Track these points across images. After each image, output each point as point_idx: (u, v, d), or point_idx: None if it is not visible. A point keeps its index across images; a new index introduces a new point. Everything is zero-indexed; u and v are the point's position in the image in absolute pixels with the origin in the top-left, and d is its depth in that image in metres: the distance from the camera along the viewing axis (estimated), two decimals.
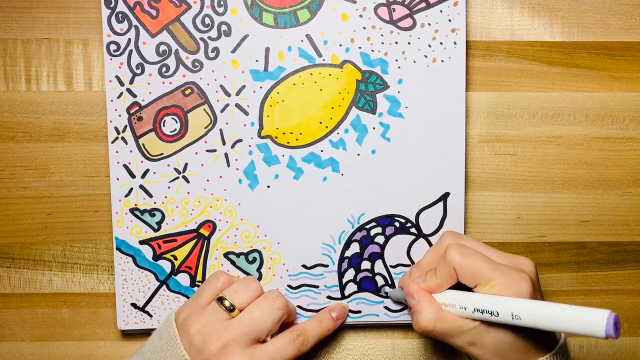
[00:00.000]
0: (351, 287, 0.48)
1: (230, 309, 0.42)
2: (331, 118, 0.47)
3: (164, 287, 0.48)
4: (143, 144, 0.47)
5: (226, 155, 0.47)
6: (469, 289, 0.40)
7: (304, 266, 0.48)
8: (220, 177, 0.47)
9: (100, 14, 0.47)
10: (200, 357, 0.40)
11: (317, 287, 0.48)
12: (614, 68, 0.49)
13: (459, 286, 0.41)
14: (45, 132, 0.48)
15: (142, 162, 0.47)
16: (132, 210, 0.47)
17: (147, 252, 0.47)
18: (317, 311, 0.48)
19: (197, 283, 0.48)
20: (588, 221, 0.50)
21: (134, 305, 0.48)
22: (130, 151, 0.47)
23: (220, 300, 0.43)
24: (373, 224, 0.48)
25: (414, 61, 0.47)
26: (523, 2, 0.49)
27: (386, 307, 0.48)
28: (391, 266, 0.48)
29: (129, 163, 0.47)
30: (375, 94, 0.47)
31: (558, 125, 0.49)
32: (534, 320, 0.36)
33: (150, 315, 0.48)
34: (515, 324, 0.37)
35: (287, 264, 0.48)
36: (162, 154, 0.47)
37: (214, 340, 0.41)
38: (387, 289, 0.48)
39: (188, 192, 0.47)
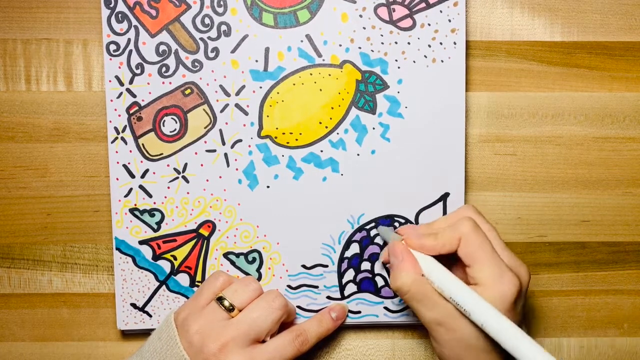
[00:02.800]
0: (351, 288, 0.48)
1: (230, 309, 0.42)
2: (331, 118, 0.47)
3: (164, 287, 0.48)
4: (143, 144, 0.47)
5: (226, 155, 0.47)
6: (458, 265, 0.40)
7: (303, 266, 0.48)
8: (220, 177, 0.47)
9: (100, 14, 0.47)
10: (199, 357, 0.40)
11: (316, 287, 0.48)
12: (614, 68, 0.49)
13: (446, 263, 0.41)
14: (45, 132, 0.48)
15: (141, 162, 0.47)
16: (131, 211, 0.47)
17: (146, 252, 0.47)
18: (316, 311, 0.48)
19: (196, 283, 0.48)
20: (588, 221, 0.50)
21: (133, 305, 0.48)
22: (130, 151, 0.47)
23: (220, 300, 0.43)
24: (373, 224, 0.48)
25: (414, 61, 0.47)
26: (523, 2, 0.49)
27: (386, 308, 0.48)
28: None
29: (129, 163, 0.47)
30: (375, 94, 0.47)
31: (558, 125, 0.49)
32: (499, 338, 0.36)
33: (150, 316, 0.48)
34: (483, 330, 0.37)
35: (287, 264, 0.48)
36: (161, 154, 0.47)
37: (213, 340, 0.41)
38: (380, 227, 0.47)
39: (188, 192, 0.47)
